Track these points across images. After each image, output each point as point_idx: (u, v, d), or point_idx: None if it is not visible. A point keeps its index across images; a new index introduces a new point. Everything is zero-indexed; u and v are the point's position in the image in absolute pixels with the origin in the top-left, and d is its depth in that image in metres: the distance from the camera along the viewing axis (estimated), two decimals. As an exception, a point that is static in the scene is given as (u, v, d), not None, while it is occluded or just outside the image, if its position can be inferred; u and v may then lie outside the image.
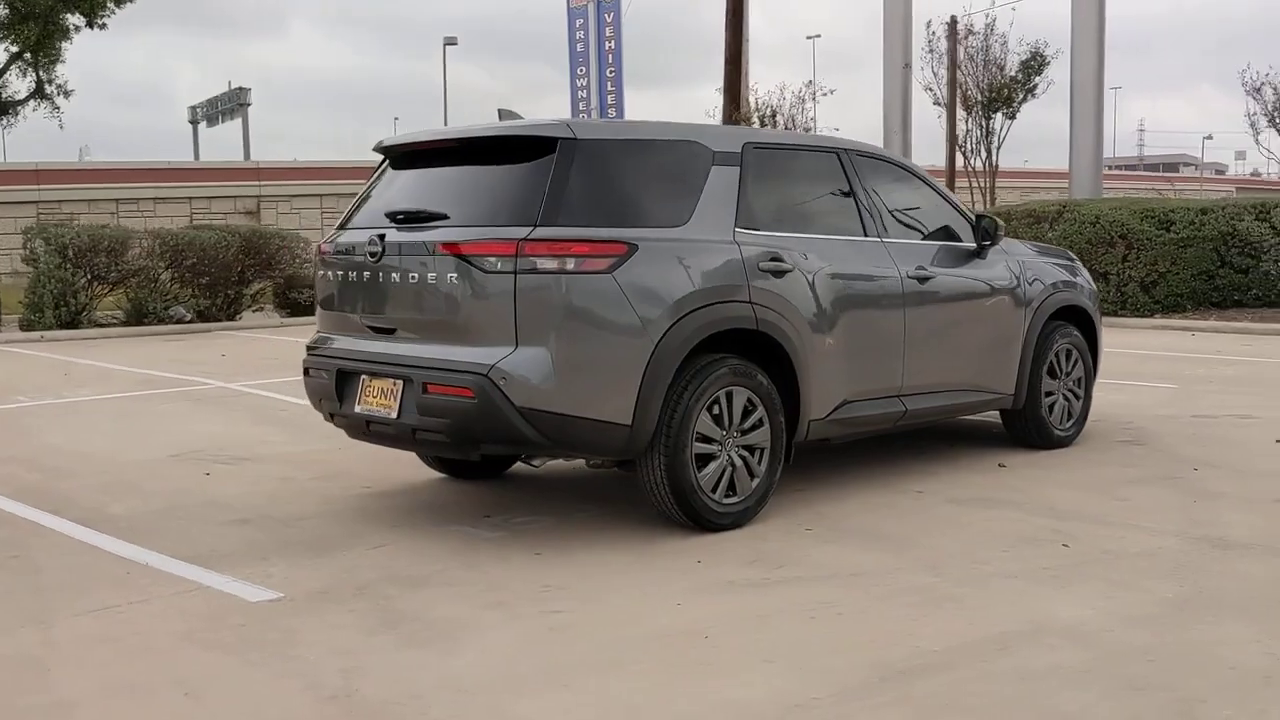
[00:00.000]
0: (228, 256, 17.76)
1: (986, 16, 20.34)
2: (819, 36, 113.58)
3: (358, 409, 5.25)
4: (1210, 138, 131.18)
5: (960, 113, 20.36)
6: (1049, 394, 6.89)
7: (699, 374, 4.98)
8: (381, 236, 5.16)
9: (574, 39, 24.28)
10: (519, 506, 5.70)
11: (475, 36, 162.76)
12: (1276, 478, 6.12)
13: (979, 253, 6.52)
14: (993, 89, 20.10)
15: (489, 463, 6.04)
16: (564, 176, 4.88)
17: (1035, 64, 19.97)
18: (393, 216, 5.24)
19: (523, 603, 4.27)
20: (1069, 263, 7.38)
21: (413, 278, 5.04)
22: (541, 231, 4.77)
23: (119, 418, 8.75)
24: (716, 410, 5.07)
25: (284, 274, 18.61)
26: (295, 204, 32.27)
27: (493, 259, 4.79)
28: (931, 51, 20.70)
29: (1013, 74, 19.96)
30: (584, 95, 23.46)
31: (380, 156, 5.80)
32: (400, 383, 5.03)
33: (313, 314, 6.06)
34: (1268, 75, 24.38)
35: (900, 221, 6.21)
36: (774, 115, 22.97)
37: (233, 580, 4.55)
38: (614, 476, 5.95)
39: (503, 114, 5.88)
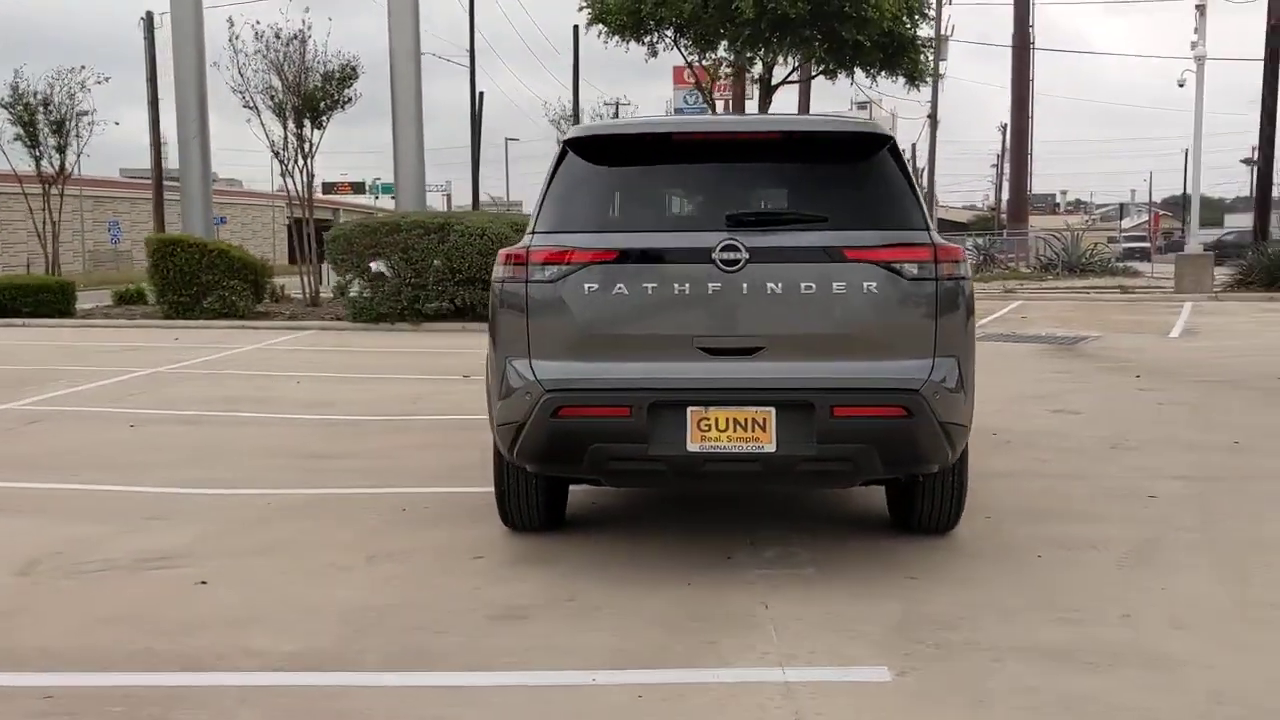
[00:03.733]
0: None
1: (303, 23, 19.63)
2: None
3: (693, 447, 4.42)
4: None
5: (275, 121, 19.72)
6: None
7: None
8: (725, 242, 4.42)
9: None
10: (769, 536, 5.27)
11: None
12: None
13: None
14: (302, 96, 19.81)
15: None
16: (909, 178, 4.75)
17: (342, 75, 20.12)
18: (740, 219, 4.51)
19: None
20: None
21: (807, 288, 4.45)
22: (936, 236, 4.64)
23: None
24: None
25: None
26: None
27: (912, 265, 4.52)
28: (237, 53, 19.63)
29: (317, 84, 19.87)
30: None
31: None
32: (772, 410, 4.41)
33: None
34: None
35: None
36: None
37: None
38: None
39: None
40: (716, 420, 4.49)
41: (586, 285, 4.56)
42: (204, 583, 4.78)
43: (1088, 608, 4.35)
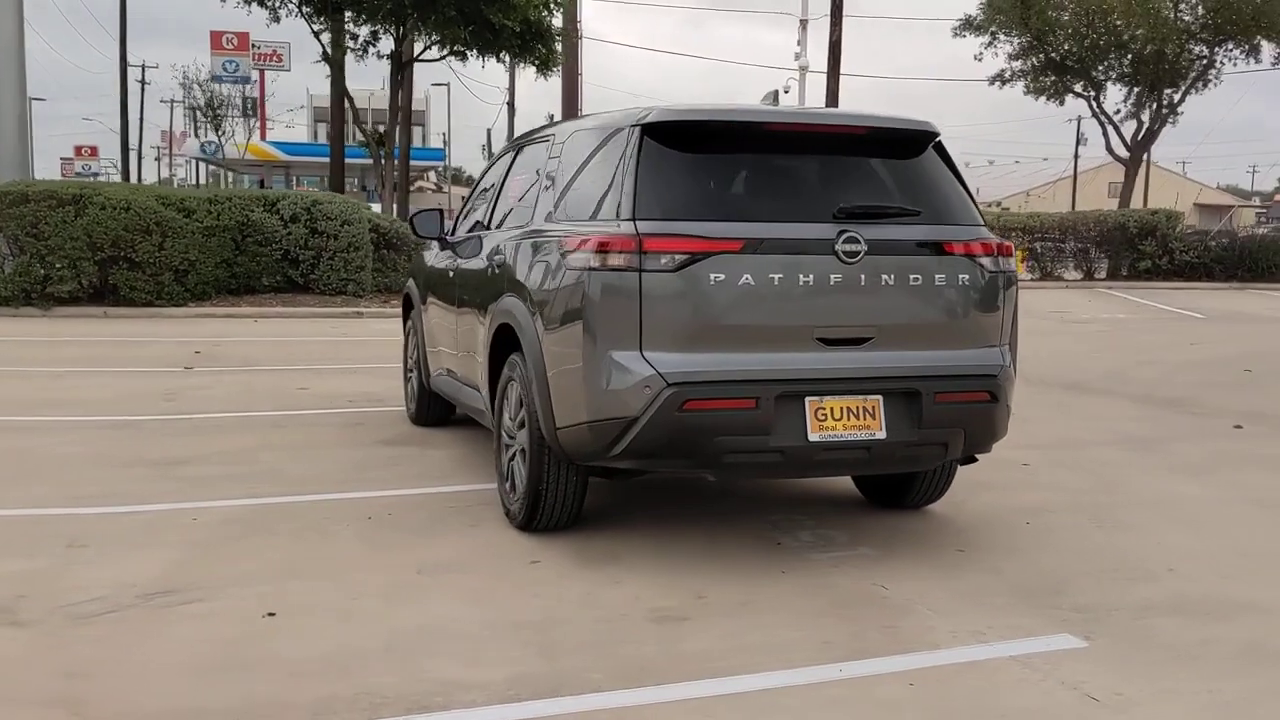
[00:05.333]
0: None
1: None
2: None
3: (813, 437, 4.53)
4: None
5: None
6: None
7: None
8: (845, 233, 4.57)
9: None
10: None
11: None
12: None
13: None
14: None
15: None
16: (959, 173, 5.13)
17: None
18: (848, 212, 4.64)
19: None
20: None
21: (915, 279, 4.68)
22: (992, 232, 5.05)
23: None
24: None
25: None
26: None
27: (990, 259, 4.88)
28: None
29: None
30: None
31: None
32: (880, 398, 4.63)
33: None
34: None
35: None
36: None
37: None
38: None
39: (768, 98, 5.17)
40: (832, 409, 4.56)
41: (712, 275, 4.43)
42: (272, 614, 4.13)
43: (1142, 566, 4.90)
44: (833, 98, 29.73)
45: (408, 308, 8.17)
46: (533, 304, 4.96)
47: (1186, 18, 28.58)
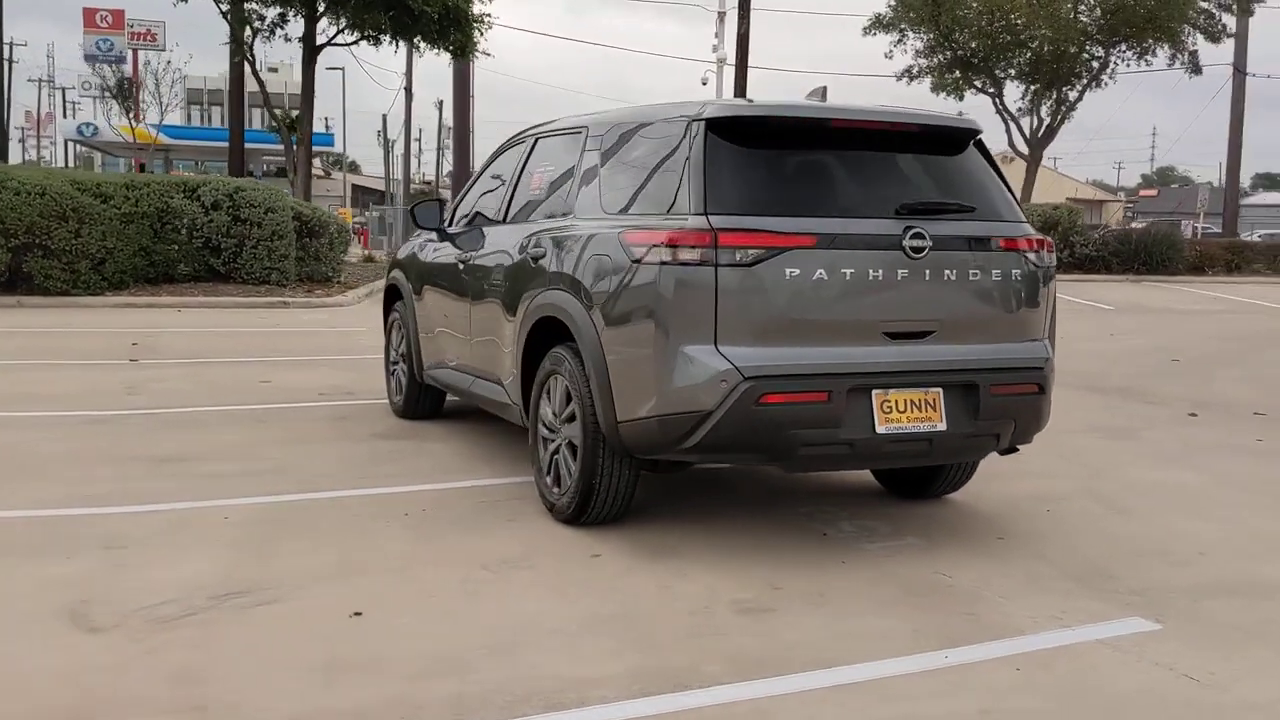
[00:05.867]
0: None
1: None
2: None
3: (881, 429, 4.63)
4: None
5: None
6: None
7: None
8: (911, 230, 4.67)
9: None
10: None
11: None
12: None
13: None
14: None
15: None
16: (999, 171, 5.27)
17: None
18: (910, 208, 4.74)
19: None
20: None
21: (974, 274, 4.80)
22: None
23: None
24: None
25: None
26: None
27: (1035, 255, 5.03)
28: None
29: None
30: None
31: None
32: (940, 390, 4.76)
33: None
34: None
35: None
36: None
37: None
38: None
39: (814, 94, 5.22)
40: (896, 402, 4.65)
41: (787, 270, 4.47)
42: (358, 614, 4.05)
43: (1173, 550, 5.11)
44: (740, 91, 30.00)
45: (391, 300, 8.04)
46: (587, 297, 4.93)
47: (1085, 19, 29.66)
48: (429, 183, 76.89)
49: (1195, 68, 30.87)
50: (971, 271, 4.81)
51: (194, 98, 60.39)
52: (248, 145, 28.00)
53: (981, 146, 5.19)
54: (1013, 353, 4.94)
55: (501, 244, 6.08)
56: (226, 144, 27.66)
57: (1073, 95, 31.38)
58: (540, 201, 5.95)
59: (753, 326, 4.49)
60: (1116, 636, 4.03)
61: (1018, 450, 5.28)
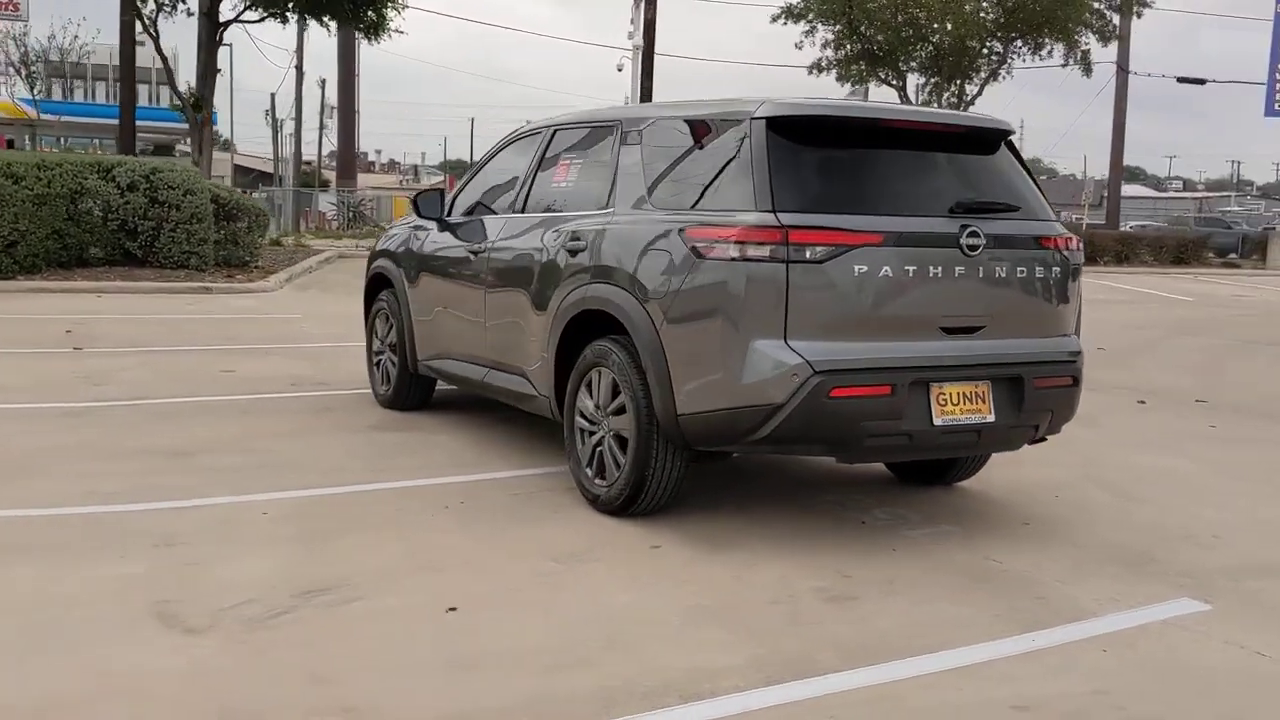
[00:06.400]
0: None
1: None
2: None
3: (938, 421, 4.80)
4: None
5: None
6: None
7: None
8: (967, 228, 4.84)
9: None
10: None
11: None
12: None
13: None
14: None
15: None
16: (1028, 169, 5.48)
17: None
18: (965, 207, 4.90)
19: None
20: None
21: (1021, 271, 4.99)
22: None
23: None
24: None
25: None
26: None
27: (1069, 252, 5.24)
28: None
29: None
30: None
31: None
32: (988, 383, 4.94)
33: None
34: None
35: None
36: None
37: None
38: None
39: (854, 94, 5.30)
40: (950, 395, 4.80)
41: (856, 267, 4.58)
42: (453, 609, 4.03)
43: (1193, 535, 5.35)
44: (647, 77, 30.09)
45: (376, 289, 7.91)
46: (643, 291, 4.96)
47: (986, 16, 30.50)
48: (309, 163, 74.97)
49: (1087, 67, 32.06)
50: (1019, 269, 4.99)
51: (54, 71, 57.83)
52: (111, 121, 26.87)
53: (1012, 146, 5.37)
54: (1051, 346, 5.14)
55: (524, 235, 6.05)
56: (106, 120, 26.55)
57: (971, 89, 32.26)
58: (566, 193, 5.94)
59: (821, 321, 4.58)
60: (1178, 616, 4.24)
61: (1046, 439, 5.50)
